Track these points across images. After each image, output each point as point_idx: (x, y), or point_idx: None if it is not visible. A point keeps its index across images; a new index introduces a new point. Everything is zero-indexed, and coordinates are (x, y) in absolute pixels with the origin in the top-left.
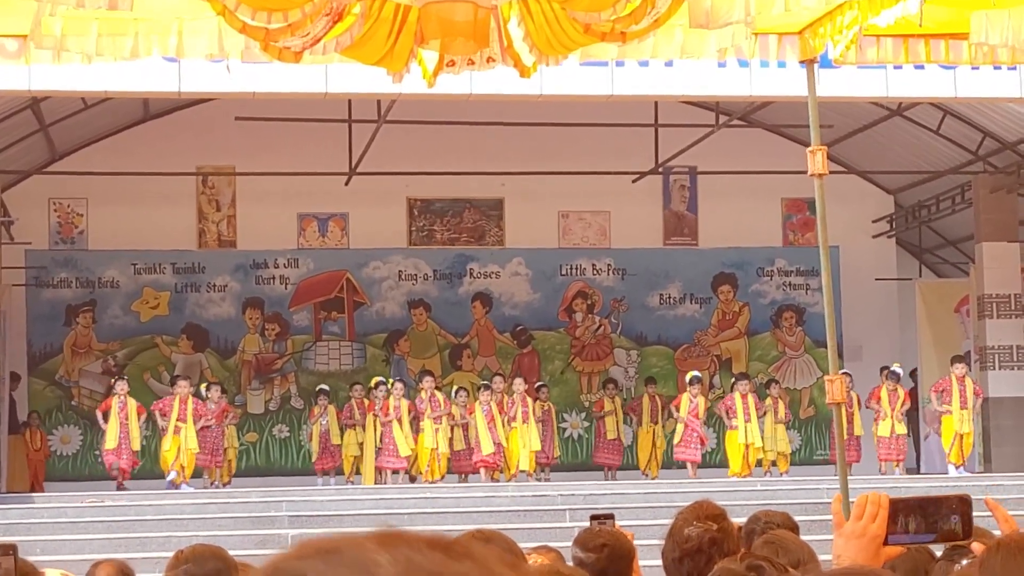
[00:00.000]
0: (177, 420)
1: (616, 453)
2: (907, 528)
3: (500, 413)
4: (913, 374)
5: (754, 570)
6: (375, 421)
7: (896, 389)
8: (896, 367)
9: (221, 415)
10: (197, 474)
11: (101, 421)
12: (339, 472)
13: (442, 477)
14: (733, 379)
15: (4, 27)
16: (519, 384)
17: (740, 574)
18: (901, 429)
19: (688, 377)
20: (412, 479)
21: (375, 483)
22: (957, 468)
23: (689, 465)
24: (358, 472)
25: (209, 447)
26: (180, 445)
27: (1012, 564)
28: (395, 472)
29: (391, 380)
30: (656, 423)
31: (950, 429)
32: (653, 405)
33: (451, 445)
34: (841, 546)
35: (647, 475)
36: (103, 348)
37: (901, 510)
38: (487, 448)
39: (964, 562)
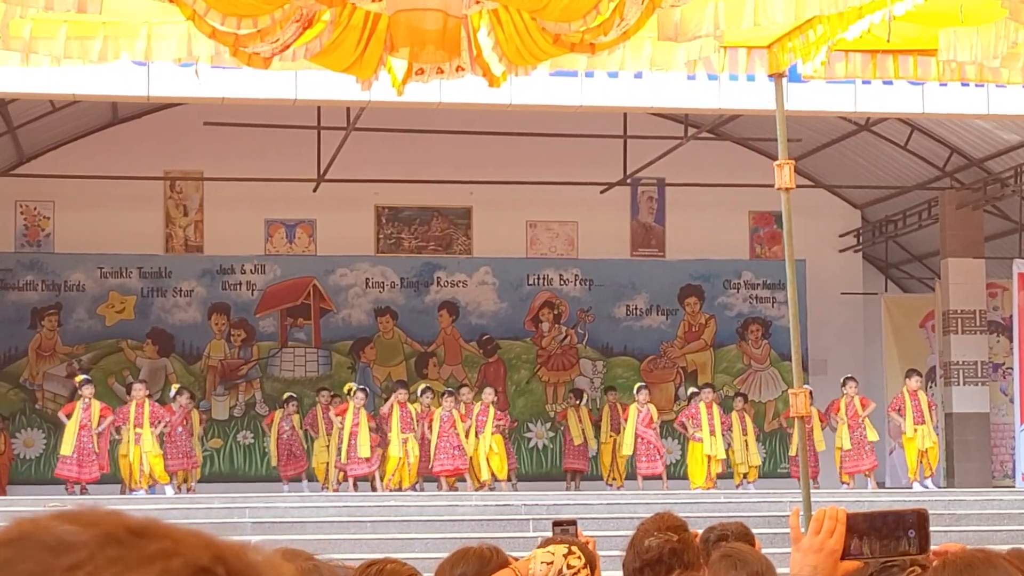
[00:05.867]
0: (135, 427)
1: (583, 459)
2: (864, 543)
3: (463, 421)
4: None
5: None
6: (339, 431)
7: (853, 398)
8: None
9: (184, 419)
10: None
11: (65, 421)
12: (310, 478)
13: (412, 486)
14: (697, 390)
15: None
16: (488, 394)
17: None
18: (872, 436)
19: (635, 388)
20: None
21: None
22: (925, 480)
23: (641, 479)
24: (342, 480)
25: (182, 450)
26: (138, 451)
27: None
28: (360, 479)
29: (353, 387)
30: (618, 432)
31: (912, 448)
32: (614, 414)
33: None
34: (799, 561)
35: (611, 485)
36: (68, 351)
37: (858, 525)
38: (436, 464)
39: None
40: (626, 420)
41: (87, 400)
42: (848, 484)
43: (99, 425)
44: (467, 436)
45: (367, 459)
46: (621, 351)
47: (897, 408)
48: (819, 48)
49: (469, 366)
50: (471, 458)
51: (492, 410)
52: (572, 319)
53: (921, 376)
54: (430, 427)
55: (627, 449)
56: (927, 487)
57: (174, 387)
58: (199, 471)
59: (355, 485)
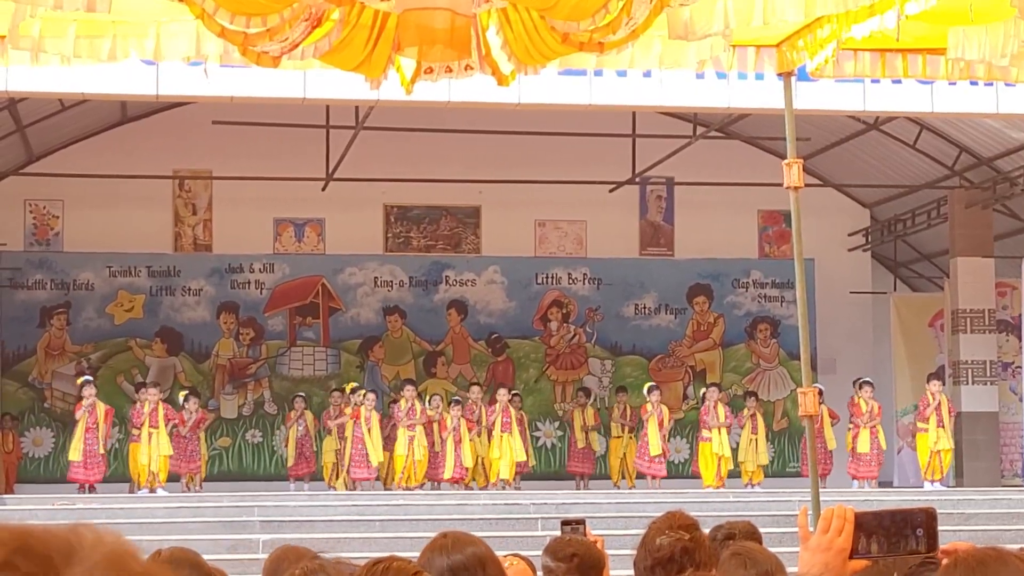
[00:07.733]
0: (150, 427)
1: (587, 462)
2: (872, 542)
3: (469, 430)
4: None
5: None
6: (351, 427)
7: (871, 403)
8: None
9: (197, 425)
10: (173, 478)
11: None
12: (313, 478)
13: (420, 484)
14: (704, 389)
15: None
16: (503, 394)
17: None
18: (882, 442)
19: (646, 388)
20: (386, 486)
21: (347, 490)
22: (933, 483)
23: (648, 479)
24: (337, 476)
25: (184, 452)
26: (151, 452)
27: None
28: (363, 481)
29: (363, 391)
30: (630, 433)
31: (925, 447)
32: (624, 415)
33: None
34: (807, 560)
35: (618, 486)
36: (77, 350)
37: (866, 523)
38: (448, 472)
39: None
40: (643, 417)
41: (90, 402)
42: (858, 482)
43: (106, 432)
44: (480, 436)
45: (379, 463)
46: (630, 350)
47: (924, 407)
48: (826, 46)
49: (477, 365)
50: (479, 458)
51: (513, 411)
52: (581, 318)
53: (939, 380)
54: (438, 432)
55: (655, 449)
56: (935, 488)
57: (181, 395)
58: (202, 473)
59: (355, 484)
